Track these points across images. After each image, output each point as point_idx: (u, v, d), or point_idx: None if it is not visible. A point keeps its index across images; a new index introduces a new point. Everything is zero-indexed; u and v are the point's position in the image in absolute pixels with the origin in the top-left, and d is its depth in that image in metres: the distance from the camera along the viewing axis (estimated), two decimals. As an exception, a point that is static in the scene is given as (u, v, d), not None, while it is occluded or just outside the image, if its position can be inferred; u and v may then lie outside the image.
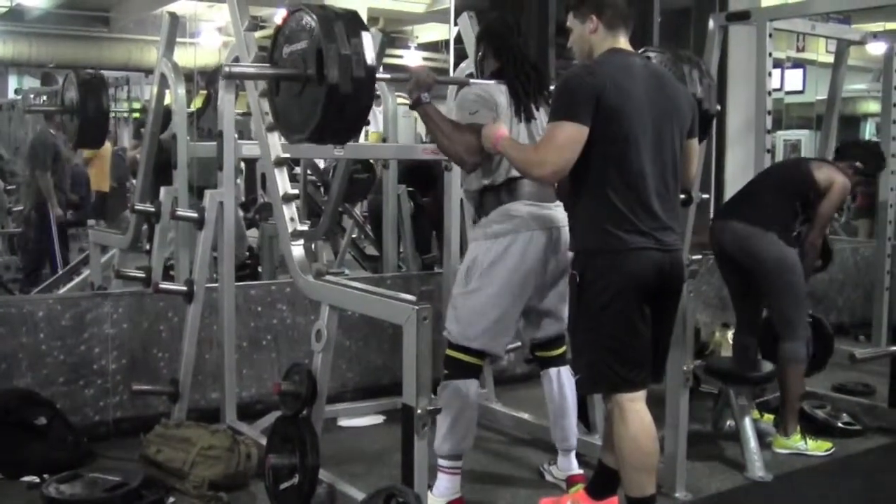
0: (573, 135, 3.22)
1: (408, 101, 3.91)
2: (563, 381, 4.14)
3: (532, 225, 3.80)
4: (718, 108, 4.68)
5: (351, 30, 3.35)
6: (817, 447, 4.74)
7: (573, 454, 4.19)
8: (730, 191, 7.50)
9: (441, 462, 3.83)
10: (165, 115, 5.59)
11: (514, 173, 3.81)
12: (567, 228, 3.79)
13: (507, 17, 4.34)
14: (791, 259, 4.70)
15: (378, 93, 6.03)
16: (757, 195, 4.99)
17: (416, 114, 4.07)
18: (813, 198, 4.81)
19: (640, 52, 3.69)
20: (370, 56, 3.36)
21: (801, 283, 4.73)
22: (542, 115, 3.95)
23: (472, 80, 4.03)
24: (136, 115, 10.86)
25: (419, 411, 3.19)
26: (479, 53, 4.11)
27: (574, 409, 4.21)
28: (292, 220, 3.93)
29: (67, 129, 6.02)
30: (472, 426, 3.88)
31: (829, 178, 4.81)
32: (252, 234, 8.10)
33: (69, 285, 6.77)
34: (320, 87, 3.33)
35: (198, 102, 7.63)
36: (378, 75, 3.62)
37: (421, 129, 13.37)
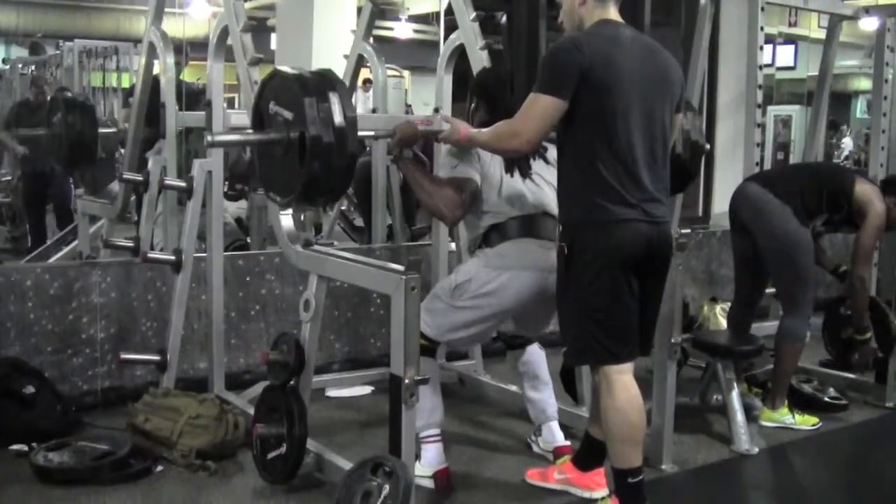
0: (550, 108, 3.22)
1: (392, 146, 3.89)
2: (531, 357, 4.20)
3: (534, 265, 3.76)
4: (707, 147, 4.62)
5: (328, 86, 3.34)
6: (804, 421, 4.77)
7: (556, 424, 4.22)
8: (720, 164, 7.51)
9: (420, 435, 3.85)
10: (154, 85, 5.56)
11: (520, 212, 3.87)
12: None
13: (501, 72, 4.36)
14: (801, 237, 4.64)
15: (368, 64, 6.01)
16: (789, 174, 4.98)
17: (406, 85, 4.05)
18: (843, 204, 4.73)
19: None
20: (350, 108, 3.33)
21: (808, 263, 4.69)
22: (540, 167, 3.98)
23: None
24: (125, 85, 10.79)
25: (407, 381, 3.19)
26: (472, 105, 4.10)
27: (548, 381, 4.25)
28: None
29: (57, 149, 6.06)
30: (438, 401, 3.91)
31: (867, 198, 4.69)
32: (241, 206, 8.07)
33: (58, 255, 6.75)
34: (303, 146, 3.29)
35: (187, 74, 7.59)
36: (362, 133, 3.59)
37: (410, 99, 13.40)
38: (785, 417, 4.76)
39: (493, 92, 4.02)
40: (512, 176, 3.93)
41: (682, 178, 4.13)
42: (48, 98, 8.02)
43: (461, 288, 3.82)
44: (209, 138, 3.54)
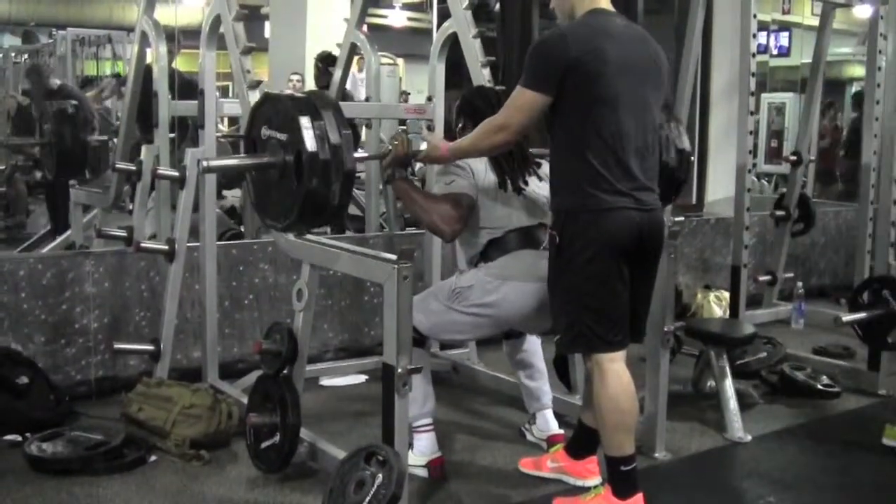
0: (533, 102, 3.29)
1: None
2: (528, 346, 4.20)
3: (535, 275, 3.70)
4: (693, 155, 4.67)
5: (320, 105, 3.34)
6: None
7: (550, 412, 4.23)
8: (713, 152, 7.51)
9: (413, 424, 3.85)
10: (146, 74, 5.55)
11: (516, 224, 3.86)
12: None
13: (486, 90, 4.33)
14: None
15: (361, 52, 6.00)
16: None
17: (400, 73, 4.04)
18: None
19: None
20: (350, 159, 3.33)
21: None
22: (534, 183, 3.97)
23: None
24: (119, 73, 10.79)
25: (399, 370, 3.19)
26: (459, 125, 4.09)
27: (543, 370, 4.26)
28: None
29: (46, 160, 6.13)
30: (429, 390, 3.92)
31: None
32: (235, 194, 8.06)
33: (51, 245, 6.74)
34: (299, 166, 3.30)
35: (181, 62, 7.57)
36: (357, 155, 3.59)
37: (405, 87, 13.36)
38: None
39: (480, 112, 3.88)
40: (506, 191, 3.91)
41: (672, 185, 4.18)
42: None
43: (462, 294, 3.81)
44: (204, 164, 3.53)
